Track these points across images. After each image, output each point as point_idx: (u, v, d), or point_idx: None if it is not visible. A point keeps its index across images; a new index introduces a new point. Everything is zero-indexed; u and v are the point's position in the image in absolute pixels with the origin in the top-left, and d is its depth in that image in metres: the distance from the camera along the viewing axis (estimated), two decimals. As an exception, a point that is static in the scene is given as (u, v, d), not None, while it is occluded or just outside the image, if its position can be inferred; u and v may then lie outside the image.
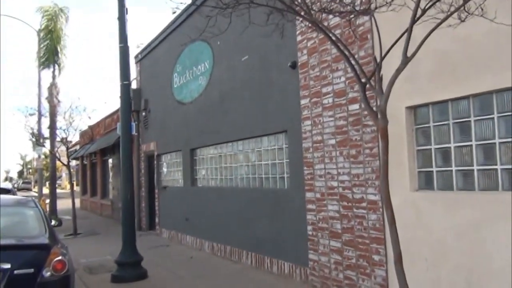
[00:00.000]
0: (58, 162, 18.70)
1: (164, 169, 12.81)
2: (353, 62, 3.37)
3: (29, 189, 54.62)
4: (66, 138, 15.10)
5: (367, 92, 3.43)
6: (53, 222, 6.76)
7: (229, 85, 8.76)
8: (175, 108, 11.38)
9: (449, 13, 3.12)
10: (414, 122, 5.02)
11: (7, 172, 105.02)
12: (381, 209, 5.27)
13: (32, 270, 4.63)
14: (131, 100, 8.28)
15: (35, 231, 5.39)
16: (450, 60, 4.52)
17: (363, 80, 3.24)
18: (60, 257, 4.87)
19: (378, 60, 3.22)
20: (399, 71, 3.06)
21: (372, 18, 3.88)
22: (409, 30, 3.11)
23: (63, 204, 22.25)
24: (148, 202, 13.87)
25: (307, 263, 6.55)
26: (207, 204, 9.80)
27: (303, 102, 6.63)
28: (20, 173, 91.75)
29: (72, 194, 14.97)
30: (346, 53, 3.54)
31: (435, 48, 4.59)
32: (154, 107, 13.07)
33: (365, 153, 5.52)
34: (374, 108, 3.18)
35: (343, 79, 5.88)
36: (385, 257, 5.24)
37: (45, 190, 24.67)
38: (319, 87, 6.30)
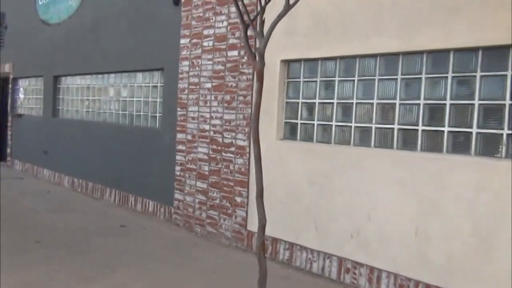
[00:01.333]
0: None
1: (21, 95, 11.56)
2: (239, 4, 3.38)
3: None
4: None
5: (248, 35, 3.48)
6: None
7: (105, 11, 8.09)
8: (39, 28, 10.16)
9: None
10: (287, 76, 5.30)
11: None
12: (248, 154, 5.57)
13: None
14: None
15: None
16: (325, 20, 4.81)
17: (246, 22, 3.28)
18: None
19: (263, 4, 3.28)
20: (280, 17, 3.17)
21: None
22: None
23: None
24: (-2, 130, 12.47)
25: (172, 202, 6.68)
26: (69, 137, 9.20)
27: (182, 41, 6.48)
28: None
29: None
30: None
31: (314, 7, 4.84)
32: (12, 23, 11.49)
33: (238, 99, 5.69)
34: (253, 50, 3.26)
35: (225, 23, 5.87)
36: (246, 199, 5.60)
37: None
38: (201, 28, 6.20)
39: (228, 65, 5.81)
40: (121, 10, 7.68)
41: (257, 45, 3.29)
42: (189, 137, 6.38)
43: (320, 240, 4.81)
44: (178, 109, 6.54)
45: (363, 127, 4.61)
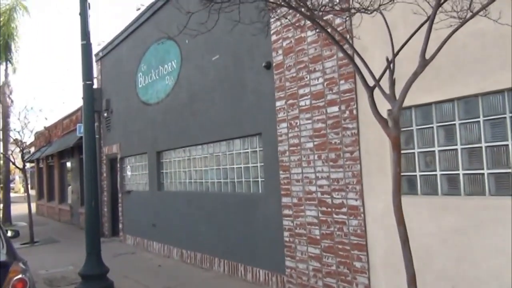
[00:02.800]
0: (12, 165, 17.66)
1: (128, 173, 12.29)
2: (360, 63, 3.12)
3: None
4: (21, 140, 14.24)
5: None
6: (9, 233, 6.23)
7: (199, 85, 8.43)
8: (140, 109, 10.90)
9: (468, 10, 2.92)
10: (396, 125, 4.90)
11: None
12: (362, 215, 5.13)
13: (-13, 292, 4.16)
14: (94, 101, 7.79)
15: (-10, 247, 4.87)
16: (434, 62, 4.41)
17: (372, 85, 2.98)
18: (20, 276, 4.42)
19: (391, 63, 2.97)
20: (416, 74, 2.83)
21: (380, 15, 3.65)
22: (428, 29, 2.88)
23: (17, 210, 21.10)
24: (110, 207, 13.29)
25: (283, 270, 6.34)
26: (175, 209, 9.42)
27: (278, 104, 6.41)
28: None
29: (28, 199, 14.13)
30: (350, 53, 3.31)
31: (418, 50, 4.49)
32: (117, 108, 12.52)
33: (345, 156, 5.36)
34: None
35: (321, 80, 5.71)
36: (367, 264, 5.10)
37: (-1, 196, 23.35)
38: (296, 88, 6.10)
39: (329, 121, 5.57)
40: (215, 81, 7.93)
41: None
42: (295, 200, 6.11)
43: (465, 310, 4.12)
44: (281, 172, 6.36)
45: (499, 173, 4.00)
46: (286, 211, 6.28)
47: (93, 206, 7.20)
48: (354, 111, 5.24)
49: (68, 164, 18.52)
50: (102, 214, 13.54)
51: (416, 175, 4.74)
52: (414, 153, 4.76)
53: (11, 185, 52.71)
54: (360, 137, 5.18)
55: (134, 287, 7.24)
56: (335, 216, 5.49)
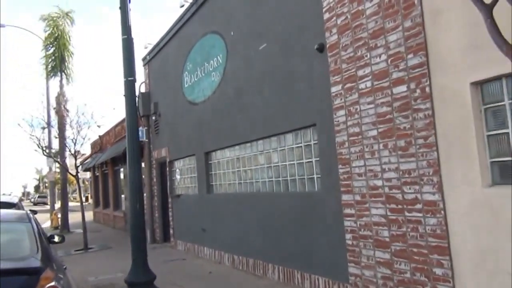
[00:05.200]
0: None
1: (177, 176, 11.94)
2: None
3: (45, 203, 54.43)
4: (74, 147, 14.35)
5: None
6: (56, 239, 5.95)
7: (246, 78, 7.85)
8: (187, 109, 10.51)
9: None
10: (482, 101, 4.04)
11: (24, 187, 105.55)
12: (442, 212, 4.28)
13: (18, 299, 3.74)
14: (136, 99, 7.43)
15: (25, 251, 4.50)
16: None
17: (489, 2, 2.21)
18: (53, 283, 3.97)
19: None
20: None
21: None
22: None
23: (75, 218, 21.56)
24: (161, 212, 13.01)
25: (347, 278, 5.56)
26: (225, 212, 8.88)
27: (334, 89, 5.68)
28: (37, 188, 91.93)
29: (82, 205, 14.18)
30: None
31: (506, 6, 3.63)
32: (165, 111, 12.24)
33: (417, 143, 4.54)
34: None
35: (383, 57, 4.93)
36: (450, 270, 4.23)
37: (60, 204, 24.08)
38: (354, 70, 5.35)
39: (396, 104, 4.77)
40: (263, 73, 7.32)
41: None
42: (358, 197, 5.34)
43: None
44: (340, 166, 5.62)
45: None
46: (347, 210, 5.52)
47: (138, 208, 6.79)
48: (427, 89, 4.41)
49: (122, 171, 18.62)
50: (153, 219, 13.31)
51: (510, 160, 3.84)
52: (508, 133, 3.87)
53: (74, 194, 55.13)
54: (435, 119, 4.35)
55: (183, 296, 6.73)
56: (407, 214, 4.67)
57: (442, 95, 4.26)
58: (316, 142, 6.23)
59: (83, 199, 16.24)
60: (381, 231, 4.99)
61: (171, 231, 12.14)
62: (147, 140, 13.54)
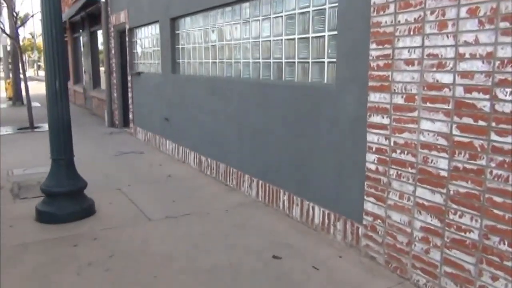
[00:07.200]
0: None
1: (138, 48, 9.52)
2: None
3: None
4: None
5: None
6: None
7: None
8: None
9: None
10: None
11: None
12: None
13: None
14: None
15: None
16: None
17: None
18: None
19: None
20: None
21: None
22: None
23: (38, 89, 19.26)
24: (121, 92, 10.83)
25: (359, 216, 3.74)
26: (194, 100, 6.77)
27: None
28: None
29: (25, 76, 11.83)
30: None
31: None
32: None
33: None
34: None
35: None
36: None
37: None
38: None
39: None
40: None
41: None
42: (399, 98, 3.26)
43: None
44: (373, 46, 3.43)
45: None
46: (375, 118, 3.47)
47: (56, 89, 4.64)
48: None
49: (81, 39, 15.88)
50: (112, 100, 11.17)
51: None
52: None
53: (39, 62, 51.62)
54: None
55: (124, 211, 4.90)
56: (494, 138, 2.66)
57: None
58: (335, 4, 3.93)
59: (34, 67, 13.78)
60: (435, 158, 3.01)
61: (130, 115, 10.10)
62: (104, 0, 10.78)
